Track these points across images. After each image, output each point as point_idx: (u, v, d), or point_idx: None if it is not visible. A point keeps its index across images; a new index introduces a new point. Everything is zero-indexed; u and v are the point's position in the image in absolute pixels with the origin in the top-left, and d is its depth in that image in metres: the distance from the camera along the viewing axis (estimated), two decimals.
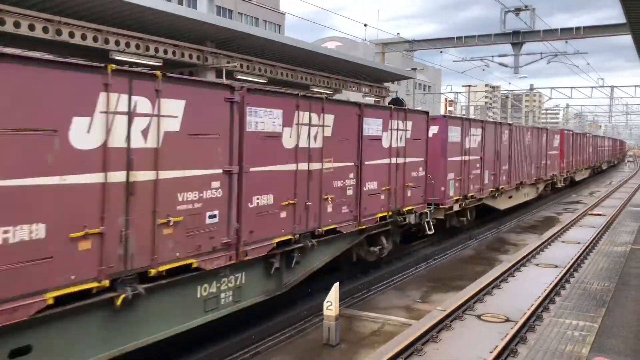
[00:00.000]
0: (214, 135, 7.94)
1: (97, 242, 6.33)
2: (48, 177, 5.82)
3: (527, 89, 68.08)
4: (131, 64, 14.80)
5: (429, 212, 15.12)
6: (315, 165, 10.27)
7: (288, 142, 9.54)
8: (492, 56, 32.12)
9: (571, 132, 36.83)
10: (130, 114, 6.68)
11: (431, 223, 15.32)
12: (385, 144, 12.75)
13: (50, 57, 7.09)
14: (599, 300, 11.14)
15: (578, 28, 27.47)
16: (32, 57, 5.81)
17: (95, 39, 12.24)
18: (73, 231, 6.07)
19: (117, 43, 12.71)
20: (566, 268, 13.28)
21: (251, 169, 8.60)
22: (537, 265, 14.40)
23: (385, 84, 26.58)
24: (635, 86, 49.17)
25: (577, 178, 39.78)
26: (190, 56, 14.76)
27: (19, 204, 5.57)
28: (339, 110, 11.03)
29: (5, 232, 5.46)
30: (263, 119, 8.89)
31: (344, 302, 11.46)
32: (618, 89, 53.82)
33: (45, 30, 11.20)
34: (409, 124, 13.82)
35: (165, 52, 13.98)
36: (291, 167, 9.62)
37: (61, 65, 5.98)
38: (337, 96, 21.10)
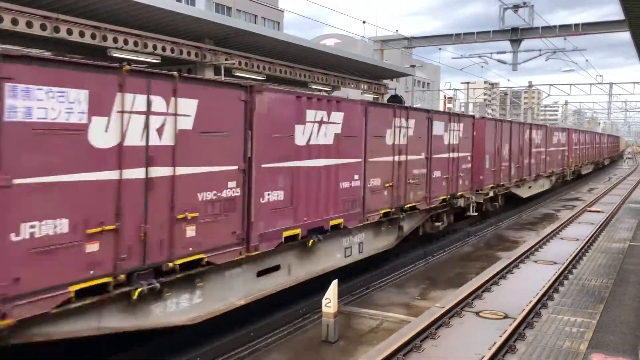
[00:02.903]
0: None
1: None
2: None
3: (526, 85, 68.04)
4: (129, 61, 14.80)
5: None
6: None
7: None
8: (491, 53, 32.14)
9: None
10: None
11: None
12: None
13: None
14: (597, 296, 11.17)
15: (577, 25, 27.40)
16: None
17: (93, 36, 12.22)
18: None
19: (115, 40, 12.68)
20: (565, 265, 13.30)
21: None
22: (535, 262, 14.42)
23: (384, 81, 26.58)
24: (634, 83, 49.07)
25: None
26: (189, 53, 14.75)
27: None
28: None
29: None
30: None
31: (343, 299, 11.46)
32: (617, 85, 53.54)
33: (43, 27, 11.16)
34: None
35: (164, 49, 13.95)
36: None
37: None
38: (336, 93, 21.09)
